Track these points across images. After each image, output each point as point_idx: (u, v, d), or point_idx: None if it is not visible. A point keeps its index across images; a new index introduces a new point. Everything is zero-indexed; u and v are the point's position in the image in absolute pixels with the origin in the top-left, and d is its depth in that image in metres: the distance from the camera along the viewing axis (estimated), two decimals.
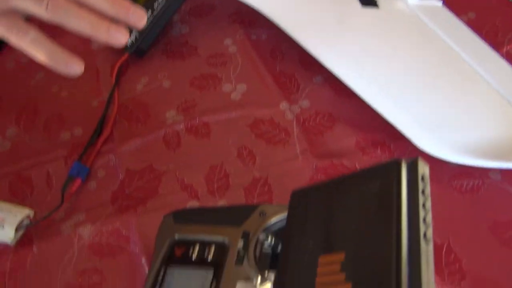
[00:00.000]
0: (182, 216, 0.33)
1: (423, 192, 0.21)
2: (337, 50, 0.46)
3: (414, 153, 0.41)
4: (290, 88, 0.47)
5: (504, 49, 0.49)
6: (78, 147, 0.43)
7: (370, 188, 0.22)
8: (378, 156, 0.42)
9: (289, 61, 0.49)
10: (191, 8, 0.54)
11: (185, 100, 0.47)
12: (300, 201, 0.25)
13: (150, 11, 0.48)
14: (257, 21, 0.53)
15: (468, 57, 0.48)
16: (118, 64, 0.48)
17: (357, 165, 0.41)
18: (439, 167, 0.39)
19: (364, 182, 0.22)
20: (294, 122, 0.44)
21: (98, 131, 0.43)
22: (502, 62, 0.47)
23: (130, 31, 0.47)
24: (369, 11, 0.50)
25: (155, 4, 0.48)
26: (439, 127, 0.41)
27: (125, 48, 0.48)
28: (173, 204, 0.39)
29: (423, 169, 0.22)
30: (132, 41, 0.47)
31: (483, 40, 0.49)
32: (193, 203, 0.39)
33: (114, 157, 0.42)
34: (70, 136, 0.45)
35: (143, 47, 0.48)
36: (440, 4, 0.54)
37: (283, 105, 0.45)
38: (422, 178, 0.21)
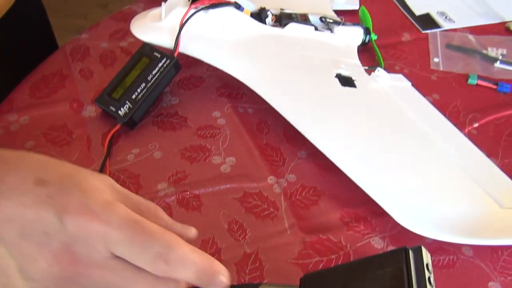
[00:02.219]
0: None
1: (429, 280, 0.24)
2: (320, 125, 0.49)
3: (394, 229, 0.44)
4: (277, 162, 0.50)
5: (466, 130, 0.54)
6: None
7: (383, 274, 0.25)
8: (362, 232, 0.44)
9: (274, 134, 0.52)
10: (181, 80, 0.57)
11: (176, 172, 0.48)
12: (312, 284, 0.27)
13: (144, 83, 0.49)
14: (244, 94, 0.56)
15: (436, 135, 0.52)
16: (110, 135, 0.49)
17: (342, 240, 0.43)
18: (418, 242, 0.42)
19: (377, 268, 0.26)
20: (282, 196, 0.46)
21: None
22: (467, 142, 0.52)
23: (124, 102, 0.49)
24: (348, 90, 0.54)
25: (149, 77, 0.50)
26: (417, 204, 0.45)
27: (117, 119, 0.49)
28: None
29: (427, 257, 0.25)
30: (125, 111, 0.49)
31: (448, 119, 0.54)
32: None
33: None
34: None
35: (135, 118, 0.50)
36: (409, 84, 0.59)
37: (271, 178, 0.48)
38: (427, 266, 0.24)
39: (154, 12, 0.52)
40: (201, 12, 0.51)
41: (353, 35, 0.61)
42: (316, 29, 0.59)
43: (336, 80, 0.54)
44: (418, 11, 0.71)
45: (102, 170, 0.47)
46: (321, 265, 0.42)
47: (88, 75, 0.57)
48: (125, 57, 0.59)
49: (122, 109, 0.48)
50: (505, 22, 0.70)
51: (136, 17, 0.54)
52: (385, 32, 0.66)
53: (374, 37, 0.63)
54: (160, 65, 0.50)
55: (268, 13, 0.57)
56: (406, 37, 0.66)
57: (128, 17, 0.65)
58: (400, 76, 0.60)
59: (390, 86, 0.57)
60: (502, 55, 0.64)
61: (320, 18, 0.62)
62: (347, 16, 0.66)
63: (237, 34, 0.54)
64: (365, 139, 0.50)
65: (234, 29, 0.54)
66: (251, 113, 0.54)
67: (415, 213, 0.44)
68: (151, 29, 0.51)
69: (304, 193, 0.47)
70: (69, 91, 0.55)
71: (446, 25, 0.69)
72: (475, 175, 0.48)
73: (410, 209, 0.44)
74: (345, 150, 0.48)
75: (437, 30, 0.68)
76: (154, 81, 0.49)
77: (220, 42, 0.53)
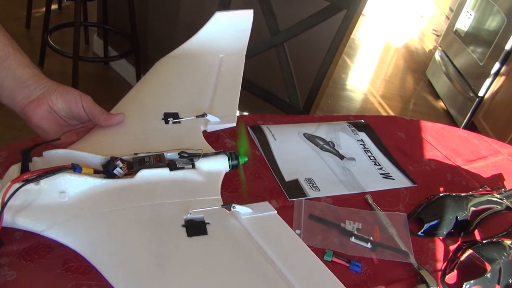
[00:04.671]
0: None
1: None
2: None
3: None
4: None
5: None
6: None
7: None
8: None
9: None
10: (25, 249, 0.53)
11: None
12: None
13: None
14: (92, 269, 0.52)
15: (291, 275, 0.50)
16: None
17: None
18: None
19: None
20: None
21: None
22: (328, 275, 0.52)
23: None
24: (194, 241, 0.51)
25: None
26: None
27: None
28: None
29: None
30: None
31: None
32: None
33: None
34: None
35: None
36: (274, 212, 0.58)
37: None
38: None
39: None
40: (31, 184, 0.49)
41: (217, 164, 0.61)
42: (174, 167, 0.58)
43: (183, 230, 0.52)
44: (288, 177, 0.76)
45: None
46: None
47: None
48: None
49: None
50: (364, 193, 0.76)
51: None
52: (254, 200, 0.68)
53: (243, 160, 0.62)
54: None
55: (117, 163, 0.55)
56: (273, 204, 0.69)
57: None
58: (265, 204, 0.59)
59: (252, 220, 0.56)
60: (358, 229, 0.68)
61: (179, 154, 0.61)
62: None
63: (78, 196, 0.52)
64: None
65: (73, 192, 0.51)
66: None
67: None
68: None
69: None
70: None
71: (311, 194, 0.73)
72: None
73: None
74: None
75: (303, 199, 0.72)
76: None
77: (57, 209, 0.50)
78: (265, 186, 0.73)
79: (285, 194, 0.72)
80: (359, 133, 0.90)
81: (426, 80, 3.10)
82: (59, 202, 0.51)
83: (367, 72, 3.12)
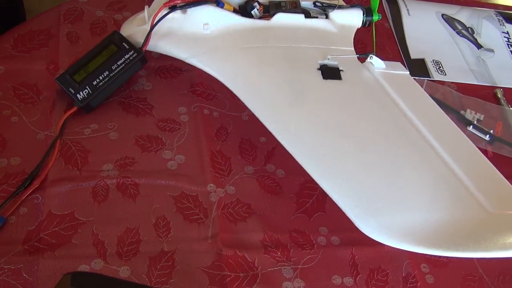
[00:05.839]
0: (81, 281, 0.36)
1: None
2: (288, 122, 0.49)
3: (308, 263, 0.46)
4: (222, 171, 0.52)
5: None
6: (11, 177, 0.46)
7: None
8: (277, 258, 0.46)
9: (230, 143, 0.54)
10: (160, 67, 0.58)
11: (126, 157, 0.50)
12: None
13: (107, 71, 0.51)
14: (215, 97, 0.57)
15: (428, 132, 0.50)
16: (65, 116, 0.50)
17: (256, 262, 0.46)
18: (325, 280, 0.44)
19: None
20: (215, 205, 0.49)
21: (29, 180, 0.45)
22: (464, 140, 0.52)
23: (84, 87, 0.50)
24: (329, 83, 0.53)
25: (114, 66, 0.51)
26: (385, 208, 0.43)
27: (74, 102, 0.50)
28: (79, 256, 0.42)
29: None
30: (84, 96, 0.50)
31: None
32: (96, 262, 0.42)
33: (40, 197, 0.45)
34: (7, 164, 0.47)
35: (93, 104, 0.51)
36: (407, 73, 0.58)
37: (211, 186, 0.50)
38: None
39: (140, 16, 0.54)
40: (178, 11, 0.51)
41: (351, 17, 0.60)
42: (308, 15, 0.58)
43: (319, 72, 0.53)
44: (414, 55, 0.71)
45: (52, 146, 0.48)
46: (227, 279, 0.44)
47: (74, 40, 0.58)
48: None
49: (81, 93, 0.50)
50: (494, 87, 0.70)
51: (125, 22, 0.56)
52: None
53: (376, 17, 0.61)
54: (126, 56, 0.51)
55: (255, 4, 0.56)
56: None
57: None
58: (397, 64, 0.59)
59: (385, 75, 0.56)
60: (478, 120, 0.64)
61: (314, 3, 0.60)
62: None
63: (219, 31, 0.54)
64: (339, 139, 0.48)
65: (215, 26, 0.54)
66: (215, 117, 0.56)
67: (381, 218, 0.42)
68: (137, 33, 0.53)
69: (237, 207, 0.49)
70: (50, 51, 0.56)
71: (436, 76, 0.69)
72: (467, 174, 0.47)
73: (375, 214, 0.43)
74: (310, 148, 0.47)
75: (425, 78, 0.68)
76: (117, 72, 0.51)
77: (200, 40, 0.54)
78: (388, 60, 0.70)
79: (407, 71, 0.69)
80: (507, 24, 0.80)
81: None
82: (202, 34, 0.54)
83: None
